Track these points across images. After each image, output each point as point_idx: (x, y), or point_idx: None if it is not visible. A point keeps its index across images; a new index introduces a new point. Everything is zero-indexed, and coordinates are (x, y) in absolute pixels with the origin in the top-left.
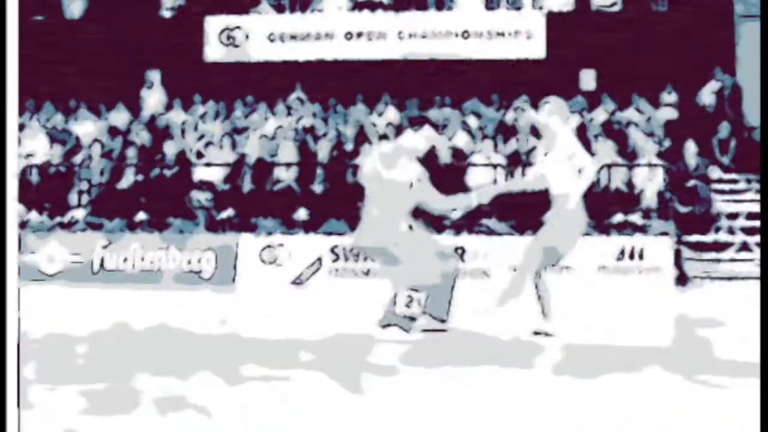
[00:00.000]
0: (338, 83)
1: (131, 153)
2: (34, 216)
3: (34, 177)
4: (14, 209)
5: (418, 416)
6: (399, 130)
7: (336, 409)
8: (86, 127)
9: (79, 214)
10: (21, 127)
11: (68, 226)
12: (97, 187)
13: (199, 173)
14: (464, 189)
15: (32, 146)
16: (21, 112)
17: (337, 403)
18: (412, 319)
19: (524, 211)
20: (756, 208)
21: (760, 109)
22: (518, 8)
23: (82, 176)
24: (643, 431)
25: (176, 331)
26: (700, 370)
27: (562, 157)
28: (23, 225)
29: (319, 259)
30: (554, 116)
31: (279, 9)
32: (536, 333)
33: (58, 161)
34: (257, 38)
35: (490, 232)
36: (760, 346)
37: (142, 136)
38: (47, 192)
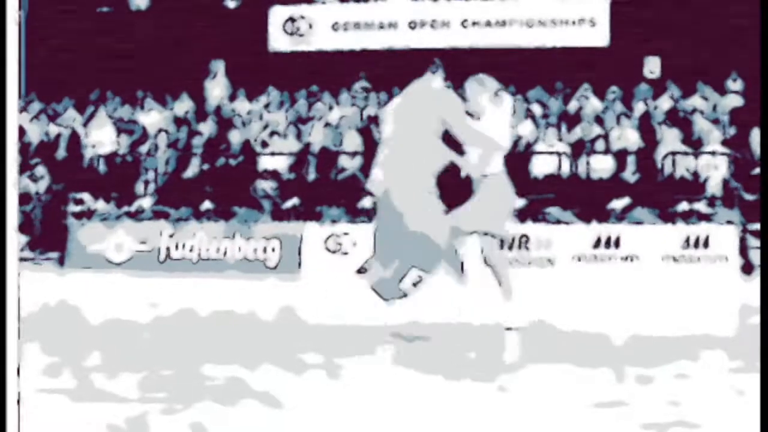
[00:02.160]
0: (402, 72)
1: (197, 142)
2: (101, 205)
3: (102, 167)
4: (14, 204)
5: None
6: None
7: (397, 397)
8: (152, 118)
9: (146, 203)
10: (89, 118)
11: (135, 215)
12: (163, 177)
13: (264, 162)
14: (528, 177)
15: (99, 136)
16: (88, 104)
17: (398, 391)
18: (405, 295)
19: (588, 199)
20: None
21: (761, 107)
22: None
23: (148, 166)
24: (703, 418)
25: (241, 318)
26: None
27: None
28: (90, 214)
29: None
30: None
31: None
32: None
33: (125, 151)
34: (321, 28)
35: (555, 220)
36: (760, 343)
37: (207, 126)
38: (114, 181)
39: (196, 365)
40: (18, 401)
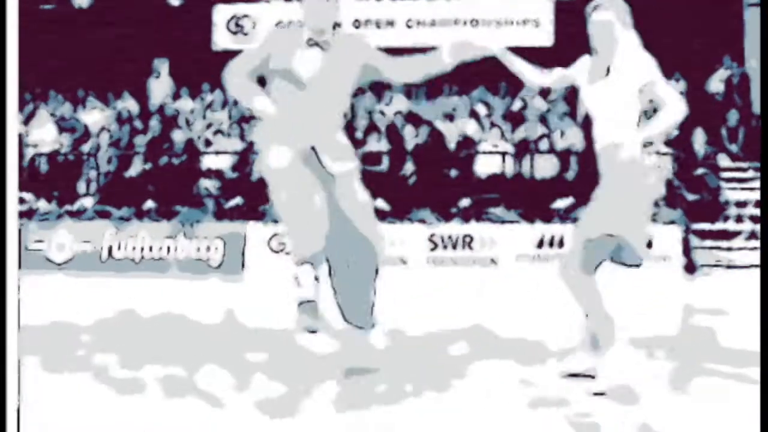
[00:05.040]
0: None
1: (139, 141)
2: (42, 204)
3: (43, 166)
4: (14, 199)
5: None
6: (407, 118)
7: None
8: (94, 116)
9: (88, 202)
10: (29, 117)
11: (77, 214)
12: (105, 176)
13: (208, 161)
14: (472, 176)
15: (40, 135)
16: (28, 102)
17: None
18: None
19: (532, 199)
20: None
21: (760, 98)
22: None
23: (91, 165)
24: (651, 417)
25: (182, 319)
26: (705, 358)
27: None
28: (31, 214)
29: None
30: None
31: None
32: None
33: (67, 150)
34: (265, 26)
35: (499, 220)
36: (760, 337)
37: (150, 125)
38: (56, 180)
39: (138, 366)
40: None
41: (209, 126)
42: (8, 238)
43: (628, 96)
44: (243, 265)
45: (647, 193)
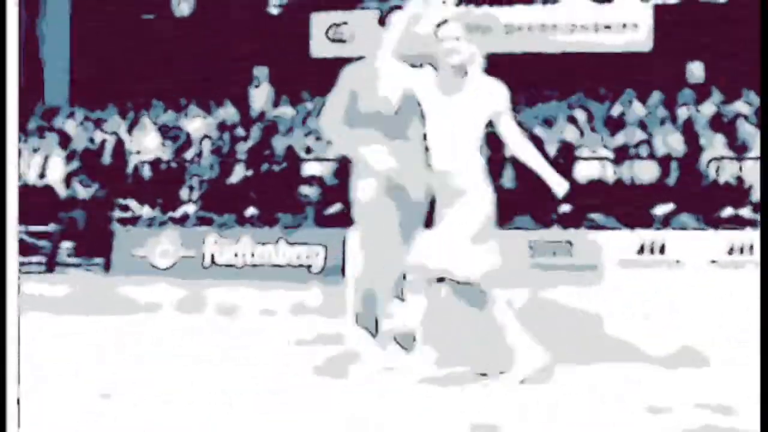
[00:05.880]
0: None
1: (240, 149)
2: (146, 211)
3: (146, 173)
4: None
5: None
6: None
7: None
8: (196, 124)
9: (190, 209)
10: (132, 125)
11: (180, 221)
12: (207, 183)
13: (308, 168)
14: (572, 182)
15: (144, 143)
16: (131, 110)
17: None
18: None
19: (632, 205)
20: None
21: (760, 98)
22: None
23: (193, 172)
24: None
25: (283, 324)
26: None
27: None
28: (135, 220)
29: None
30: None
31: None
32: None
33: (169, 157)
34: (363, 34)
35: (598, 226)
36: (760, 336)
37: (251, 132)
38: (159, 187)
39: (240, 369)
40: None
41: (309, 133)
42: (8, 239)
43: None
44: (343, 272)
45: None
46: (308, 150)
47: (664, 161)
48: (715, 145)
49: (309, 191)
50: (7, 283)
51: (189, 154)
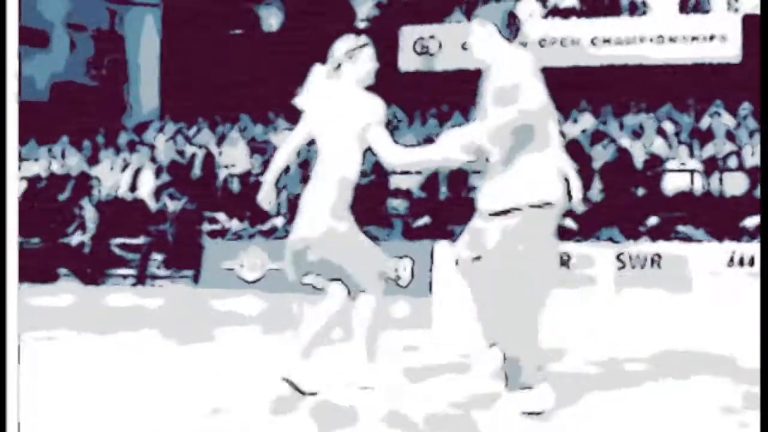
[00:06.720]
0: None
1: None
2: (235, 224)
3: (235, 186)
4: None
5: None
6: (594, 137)
7: None
8: (284, 138)
9: (279, 222)
10: (221, 138)
11: (268, 233)
12: (295, 196)
13: (396, 181)
14: (660, 194)
15: (233, 156)
16: (220, 124)
17: None
18: None
19: (721, 217)
20: None
21: (761, 98)
22: (706, 11)
23: (281, 185)
24: None
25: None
26: None
27: None
28: (224, 233)
29: None
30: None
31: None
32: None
33: (258, 171)
34: (451, 47)
35: (686, 238)
36: (760, 337)
37: None
38: (248, 200)
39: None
40: None
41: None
42: (8, 244)
43: None
44: (431, 286)
45: None
46: None
47: (753, 173)
48: None
49: (397, 204)
50: (7, 289)
51: None
